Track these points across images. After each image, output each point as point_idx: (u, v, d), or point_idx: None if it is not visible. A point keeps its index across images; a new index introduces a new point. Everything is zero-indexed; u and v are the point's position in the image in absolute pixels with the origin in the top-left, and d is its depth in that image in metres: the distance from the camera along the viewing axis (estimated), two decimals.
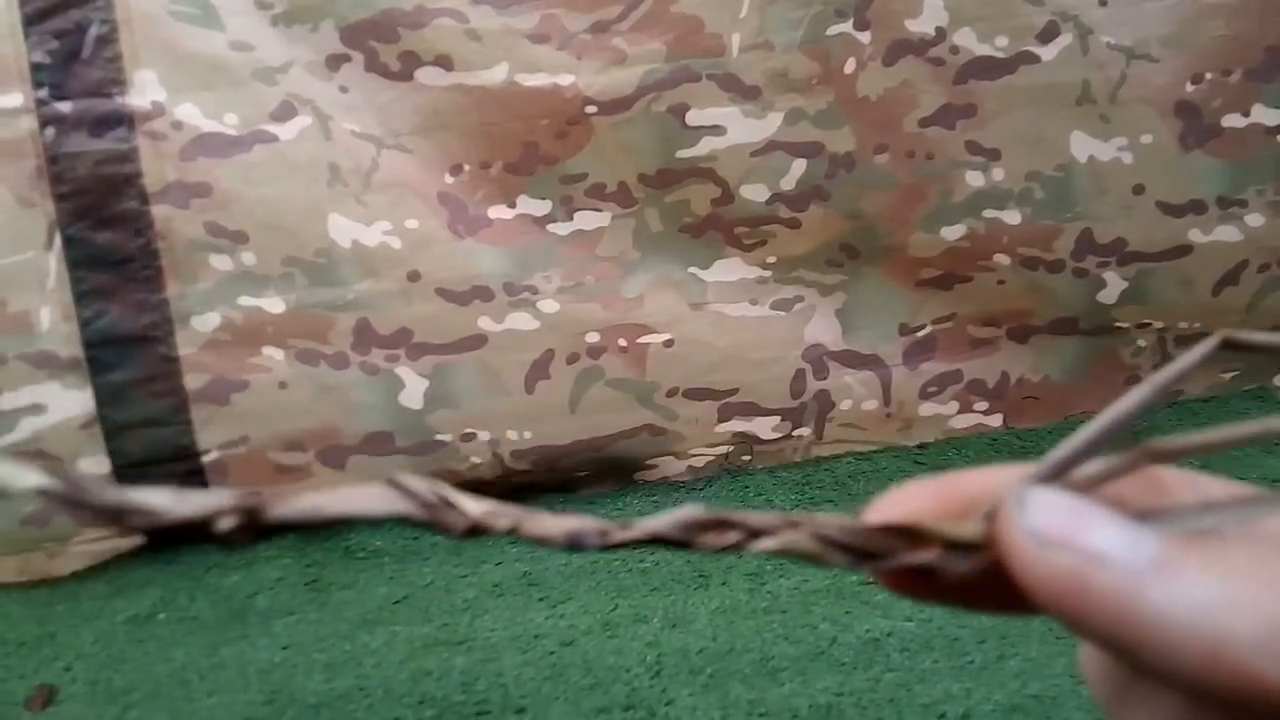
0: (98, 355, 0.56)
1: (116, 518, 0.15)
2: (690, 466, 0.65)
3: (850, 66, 0.58)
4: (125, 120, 0.54)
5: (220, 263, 0.56)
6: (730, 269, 0.61)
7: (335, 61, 0.56)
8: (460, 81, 0.56)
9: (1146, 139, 0.59)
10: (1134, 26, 0.57)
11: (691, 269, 0.61)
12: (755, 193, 0.59)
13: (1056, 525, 0.15)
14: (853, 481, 0.63)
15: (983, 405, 0.65)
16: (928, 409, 0.65)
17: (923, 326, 0.64)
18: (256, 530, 0.16)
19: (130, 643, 0.54)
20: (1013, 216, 0.60)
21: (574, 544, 0.15)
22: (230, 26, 0.55)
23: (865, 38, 0.57)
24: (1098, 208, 0.60)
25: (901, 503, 0.17)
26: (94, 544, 0.59)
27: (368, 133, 0.57)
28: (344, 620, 0.55)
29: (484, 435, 0.61)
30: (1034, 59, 0.57)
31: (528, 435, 0.61)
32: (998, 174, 0.60)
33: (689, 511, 0.15)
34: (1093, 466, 0.16)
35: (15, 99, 0.54)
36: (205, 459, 0.58)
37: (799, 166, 0.59)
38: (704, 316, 0.61)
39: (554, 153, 0.58)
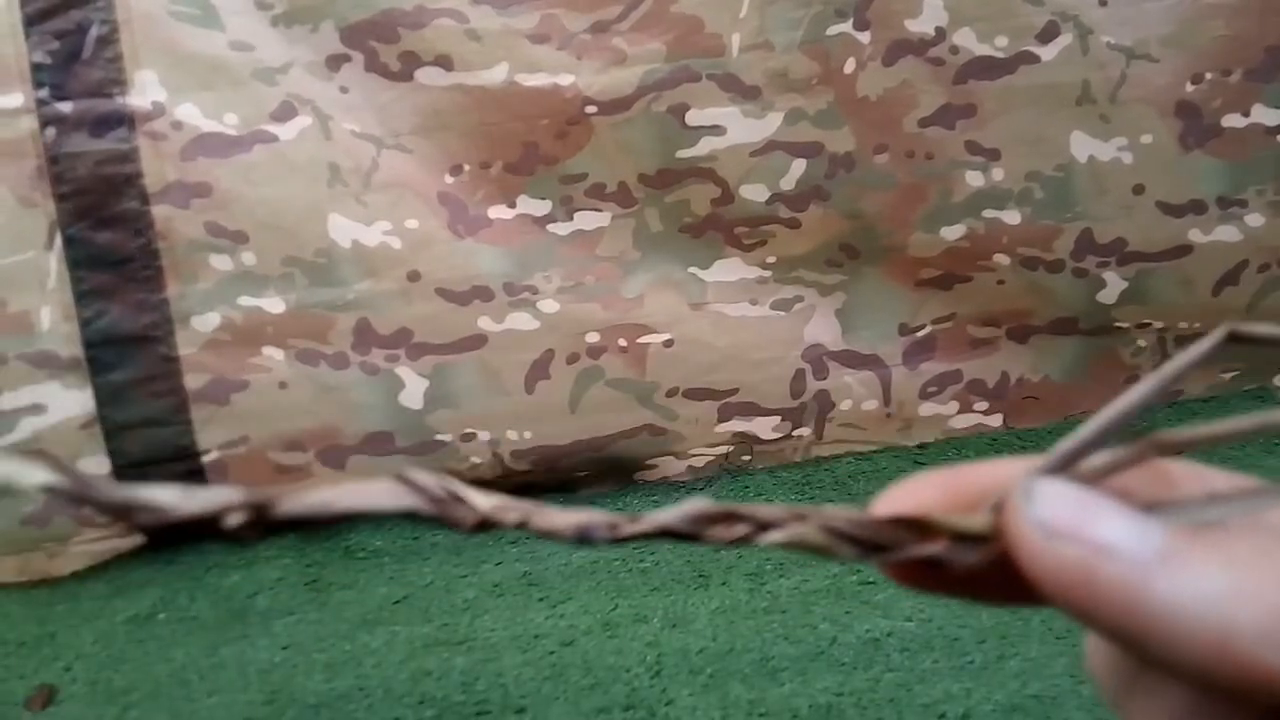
0: (98, 355, 0.56)
1: (123, 514, 0.15)
2: (690, 466, 0.65)
3: (850, 66, 0.58)
4: (126, 120, 0.54)
5: (220, 263, 0.56)
6: (730, 269, 0.61)
7: (335, 62, 0.56)
8: (460, 81, 0.56)
9: (1146, 139, 0.59)
10: (1134, 26, 0.57)
11: (691, 269, 0.61)
12: (755, 193, 0.59)
13: (1064, 517, 0.15)
14: (853, 481, 0.63)
15: (983, 405, 0.65)
16: (928, 409, 0.65)
17: (922, 326, 0.64)
18: (264, 526, 0.16)
19: (130, 643, 0.54)
20: (1012, 216, 0.60)
21: (583, 537, 0.15)
22: (230, 27, 0.55)
23: (865, 38, 0.57)
24: (1098, 208, 0.60)
25: (909, 495, 0.17)
26: (94, 544, 0.59)
27: (368, 133, 0.57)
28: (344, 620, 0.55)
29: (484, 435, 0.61)
30: (1034, 59, 0.58)
31: (528, 435, 0.61)
32: (997, 174, 0.60)
33: (697, 504, 0.15)
34: (1099, 459, 0.16)
35: (16, 99, 0.54)
36: (205, 459, 0.58)
37: (799, 166, 0.59)
38: (704, 316, 0.61)
39: (554, 153, 0.58)
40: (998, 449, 0.65)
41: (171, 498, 0.15)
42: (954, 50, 0.58)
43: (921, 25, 0.57)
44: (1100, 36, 0.57)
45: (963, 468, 0.17)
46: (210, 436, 0.58)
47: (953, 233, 0.61)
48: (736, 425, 0.63)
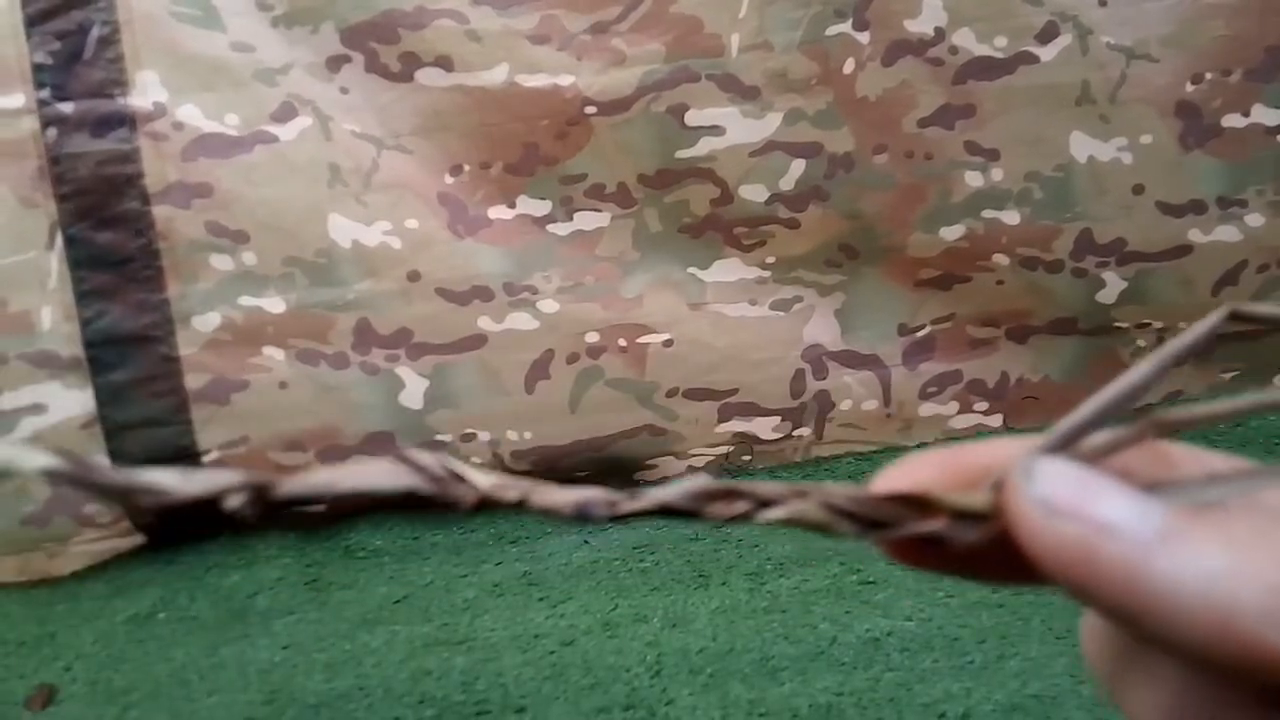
0: (98, 355, 0.56)
1: (124, 498, 0.15)
2: (690, 467, 0.65)
3: (849, 67, 0.58)
4: (127, 121, 0.55)
5: (221, 263, 0.56)
6: (729, 269, 0.61)
7: (336, 63, 0.57)
8: (460, 82, 0.57)
9: (1146, 139, 0.59)
10: (1134, 26, 0.57)
11: (691, 269, 0.61)
12: (754, 193, 0.60)
13: (1064, 495, 0.15)
14: (853, 482, 0.63)
15: (983, 405, 0.65)
16: (928, 409, 0.65)
17: (922, 327, 0.64)
18: (265, 508, 0.16)
19: (130, 643, 0.54)
20: (1012, 217, 0.61)
21: (582, 514, 0.15)
22: (231, 28, 0.55)
23: (864, 38, 0.57)
24: (1097, 208, 0.60)
25: (909, 473, 0.17)
26: (94, 544, 0.59)
27: (368, 133, 0.57)
28: (344, 620, 0.55)
29: (484, 435, 0.61)
30: (1033, 59, 0.58)
31: (528, 435, 0.61)
32: (997, 174, 0.60)
33: (697, 482, 0.15)
34: (1099, 438, 0.16)
35: (17, 99, 0.54)
36: (205, 459, 0.58)
37: (798, 167, 0.59)
38: (703, 317, 0.62)
39: (554, 153, 0.58)
40: None
41: (171, 480, 0.15)
42: (953, 50, 0.58)
43: (921, 25, 0.57)
44: (1100, 37, 0.57)
45: (963, 446, 0.17)
46: (210, 436, 0.58)
47: (952, 233, 0.61)
48: (736, 425, 0.63)
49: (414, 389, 0.59)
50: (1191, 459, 0.17)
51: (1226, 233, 0.61)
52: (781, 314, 0.63)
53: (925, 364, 0.64)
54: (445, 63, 0.56)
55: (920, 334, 0.64)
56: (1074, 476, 0.15)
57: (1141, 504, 0.14)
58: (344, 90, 0.57)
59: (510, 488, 0.15)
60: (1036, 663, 0.49)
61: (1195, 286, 0.62)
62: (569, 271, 0.60)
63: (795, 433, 0.64)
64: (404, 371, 0.59)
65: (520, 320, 0.59)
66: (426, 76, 0.57)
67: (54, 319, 0.56)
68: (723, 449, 0.64)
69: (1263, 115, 0.59)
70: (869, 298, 0.63)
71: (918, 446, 0.66)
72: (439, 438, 0.60)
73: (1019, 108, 0.59)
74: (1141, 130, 0.59)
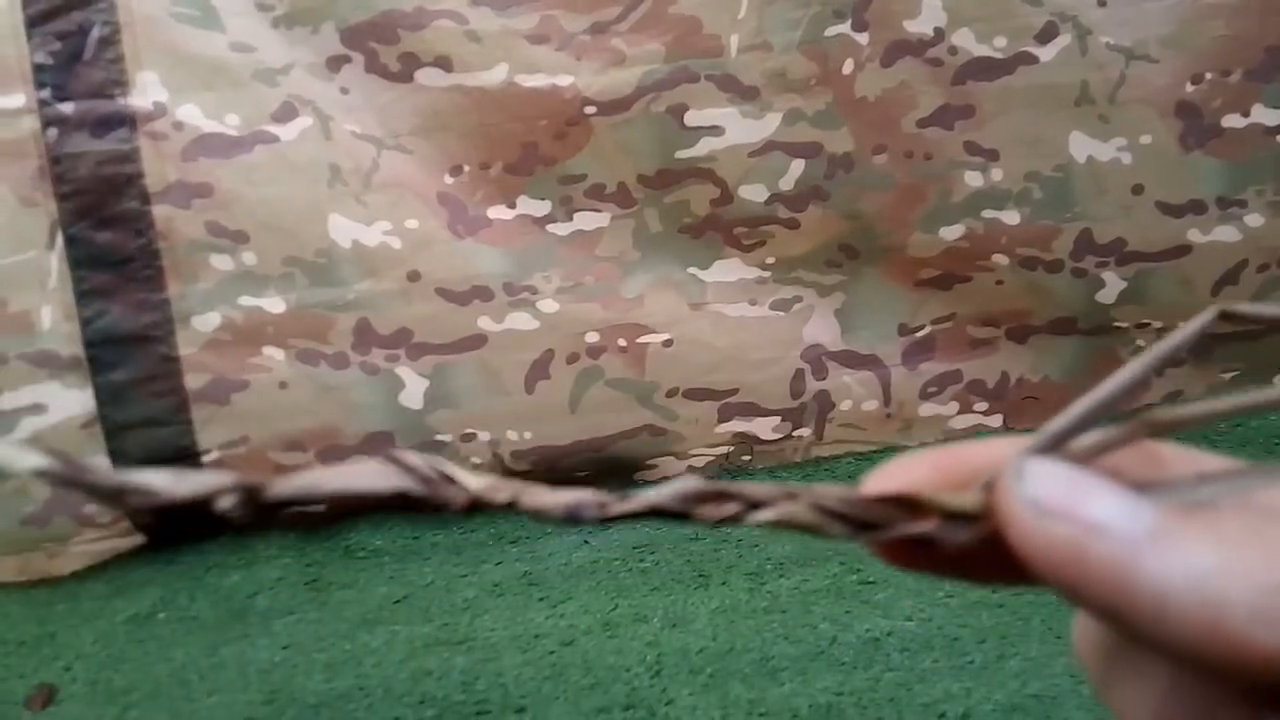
0: (98, 355, 0.56)
1: (116, 498, 0.15)
2: (690, 467, 0.65)
3: (848, 67, 0.58)
4: (127, 121, 0.55)
5: (221, 262, 0.57)
6: (729, 269, 0.61)
7: (336, 63, 0.57)
8: (460, 82, 0.57)
9: (1146, 139, 0.59)
10: (1133, 27, 0.57)
11: (691, 269, 0.61)
12: (754, 193, 0.60)
13: (1055, 495, 0.15)
14: (853, 482, 0.63)
15: (983, 406, 0.65)
16: (928, 409, 0.65)
17: (922, 327, 0.64)
18: (257, 509, 0.16)
19: (130, 643, 0.54)
20: (1011, 217, 0.60)
21: (573, 516, 0.15)
22: (231, 28, 0.56)
23: (863, 38, 0.57)
24: (1097, 208, 0.60)
25: (899, 473, 0.17)
26: (94, 544, 0.59)
27: (368, 133, 0.57)
28: (344, 620, 0.55)
29: (484, 435, 0.61)
30: (1032, 60, 0.58)
31: (528, 435, 0.61)
32: (996, 174, 0.60)
33: (687, 483, 0.15)
34: (1090, 438, 0.16)
35: (18, 99, 0.54)
36: (205, 459, 0.58)
37: (797, 167, 0.59)
38: (703, 317, 0.62)
39: (553, 153, 0.58)
40: None
41: (164, 481, 0.15)
42: (952, 51, 0.58)
43: (920, 26, 0.57)
44: (1099, 37, 0.57)
45: (953, 447, 0.17)
46: (210, 436, 0.58)
47: (952, 233, 0.61)
48: (737, 425, 0.63)
49: (414, 389, 0.59)
50: (1182, 459, 0.17)
51: (1226, 233, 0.61)
52: (781, 314, 0.63)
53: (925, 364, 0.64)
54: (445, 63, 0.56)
55: (920, 334, 0.64)
56: (1064, 477, 0.15)
57: (1132, 504, 0.14)
58: (344, 90, 0.57)
59: (500, 489, 0.15)
60: (1036, 663, 0.49)
61: (1195, 286, 0.62)
62: (569, 271, 0.60)
63: (795, 433, 0.64)
64: (404, 371, 0.59)
65: (520, 320, 0.59)
66: (426, 77, 0.57)
67: (54, 319, 0.56)
68: (723, 449, 0.64)
69: (1262, 115, 0.59)
70: (869, 298, 0.63)
71: (918, 447, 0.66)
72: (439, 438, 0.60)
73: (1018, 108, 0.59)
74: (1141, 130, 0.59)
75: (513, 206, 0.59)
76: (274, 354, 0.58)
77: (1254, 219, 0.61)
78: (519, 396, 0.60)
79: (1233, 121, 0.59)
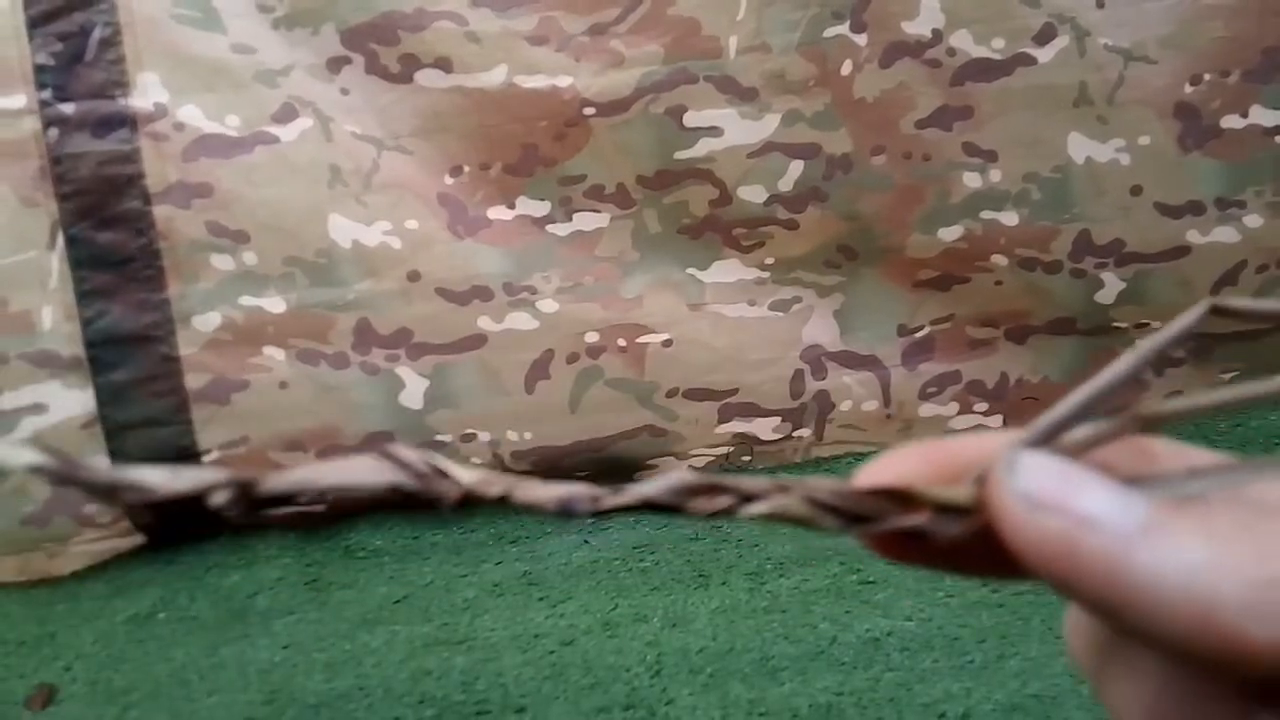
0: (99, 355, 0.56)
1: (111, 494, 0.15)
2: (691, 467, 0.65)
3: (847, 68, 0.58)
4: (128, 121, 0.55)
5: (221, 263, 0.57)
6: (728, 270, 0.61)
7: (336, 64, 0.57)
8: (459, 83, 0.57)
9: (1144, 140, 0.59)
10: (1132, 28, 0.57)
11: (690, 270, 0.61)
12: (753, 194, 0.60)
13: (1047, 489, 0.15)
14: None
15: (983, 406, 0.65)
16: (928, 410, 0.65)
17: (921, 327, 0.64)
18: (250, 504, 0.16)
19: (130, 643, 0.54)
20: (1010, 218, 0.61)
21: (565, 510, 0.15)
22: (232, 29, 0.56)
23: (862, 40, 0.58)
24: (1095, 209, 0.60)
25: (892, 466, 0.17)
26: (94, 544, 0.60)
27: (368, 134, 0.57)
28: (344, 620, 0.55)
29: (484, 436, 0.61)
30: (1031, 61, 0.58)
31: (528, 436, 0.61)
32: (995, 175, 0.60)
33: (680, 476, 0.16)
34: (1081, 432, 0.16)
35: (19, 100, 0.54)
36: (206, 459, 0.58)
37: (796, 168, 0.59)
38: (702, 317, 0.62)
39: (553, 154, 0.58)
40: None
41: (158, 478, 0.15)
42: (951, 52, 0.58)
43: (918, 27, 0.57)
44: (1097, 38, 0.57)
45: (945, 440, 0.17)
46: (211, 436, 0.58)
47: (950, 234, 0.61)
48: (737, 426, 0.63)
49: (414, 389, 0.59)
50: (1173, 453, 0.17)
51: (1225, 233, 0.61)
52: (780, 314, 0.63)
53: (925, 364, 0.64)
54: (444, 64, 0.57)
55: (919, 334, 0.64)
56: (1056, 470, 0.15)
57: (1123, 497, 0.15)
58: (344, 91, 0.57)
59: (493, 483, 0.15)
60: (1036, 663, 0.49)
61: (1194, 287, 0.62)
62: (568, 272, 0.60)
63: (795, 433, 0.64)
64: (404, 371, 0.59)
65: (520, 320, 0.60)
66: (426, 78, 0.57)
67: (55, 319, 0.56)
68: (723, 450, 0.64)
69: (1261, 116, 0.59)
70: (868, 298, 0.63)
71: None
72: (439, 438, 0.60)
73: (1017, 109, 0.59)
74: (1140, 131, 0.59)
75: (512, 207, 0.59)
76: (274, 354, 0.58)
77: (1253, 220, 0.61)
78: (519, 396, 0.60)
79: (1231, 122, 0.59)
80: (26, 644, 0.55)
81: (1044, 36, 0.57)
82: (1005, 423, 0.66)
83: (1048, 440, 0.16)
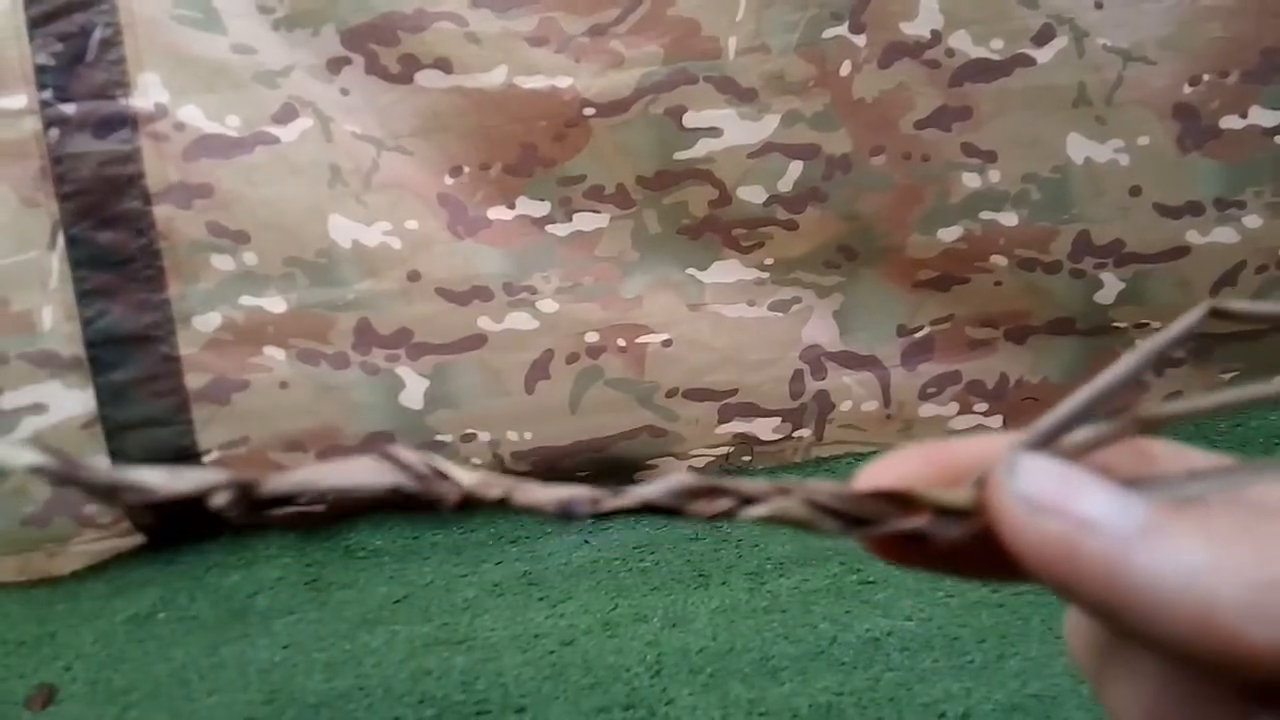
0: (99, 355, 0.56)
1: (112, 495, 0.15)
2: (691, 468, 0.65)
3: (846, 69, 0.58)
4: (128, 122, 0.55)
5: (222, 263, 0.57)
6: (728, 270, 0.62)
7: (336, 64, 0.57)
8: (459, 84, 0.57)
9: (1143, 141, 0.59)
10: (1130, 29, 0.57)
11: (689, 270, 0.61)
12: (752, 194, 0.60)
13: (1047, 491, 0.15)
14: None
15: (983, 406, 0.65)
16: (928, 410, 0.65)
17: (920, 328, 0.64)
18: (251, 506, 0.16)
19: (130, 643, 0.54)
20: (1009, 218, 0.61)
21: (565, 512, 0.15)
22: (232, 30, 0.56)
23: (861, 40, 0.58)
24: (1095, 209, 0.60)
25: (892, 469, 0.17)
26: (94, 544, 0.60)
27: (368, 134, 0.57)
28: (344, 620, 0.55)
29: (484, 436, 0.61)
30: (1029, 61, 0.58)
31: (528, 436, 0.61)
32: (994, 176, 0.60)
33: (680, 479, 0.16)
34: (1081, 434, 0.16)
35: (20, 100, 0.54)
36: (206, 459, 0.58)
37: (796, 168, 0.59)
38: (702, 317, 0.62)
39: (552, 154, 0.58)
40: None
41: (158, 478, 0.15)
42: (950, 53, 0.58)
43: (917, 28, 0.57)
44: (1096, 39, 0.57)
45: (945, 442, 0.17)
46: (211, 436, 0.58)
47: (950, 234, 0.61)
48: (737, 426, 0.63)
49: (414, 389, 0.60)
50: (1172, 455, 0.17)
51: (1224, 234, 0.61)
52: (780, 315, 0.63)
53: (924, 365, 0.64)
54: (444, 65, 0.57)
55: (919, 335, 0.64)
56: (1056, 473, 0.15)
57: (1123, 500, 0.15)
58: (344, 92, 0.57)
59: (493, 485, 0.16)
60: (1036, 663, 0.49)
61: (1193, 288, 0.62)
62: (568, 272, 0.60)
63: (795, 434, 0.64)
64: (404, 371, 0.59)
65: (520, 320, 0.60)
66: (426, 78, 0.57)
67: (55, 318, 0.56)
68: (723, 450, 0.64)
69: (1260, 117, 0.59)
70: (867, 299, 0.63)
71: None
72: (439, 438, 0.60)
73: (1016, 110, 0.59)
74: (1139, 132, 0.59)
75: (512, 207, 0.59)
76: (274, 354, 0.58)
77: (1252, 220, 0.61)
78: (519, 396, 0.60)
79: (1230, 123, 0.59)
80: (26, 644, 0.55)
81: (1043, 37, 0.57)
82: (1005, 423, 0.66)
83: (1047, 443, 0.16)
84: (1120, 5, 0.57)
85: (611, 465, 0.63)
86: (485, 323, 0.59)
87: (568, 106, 0.57)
